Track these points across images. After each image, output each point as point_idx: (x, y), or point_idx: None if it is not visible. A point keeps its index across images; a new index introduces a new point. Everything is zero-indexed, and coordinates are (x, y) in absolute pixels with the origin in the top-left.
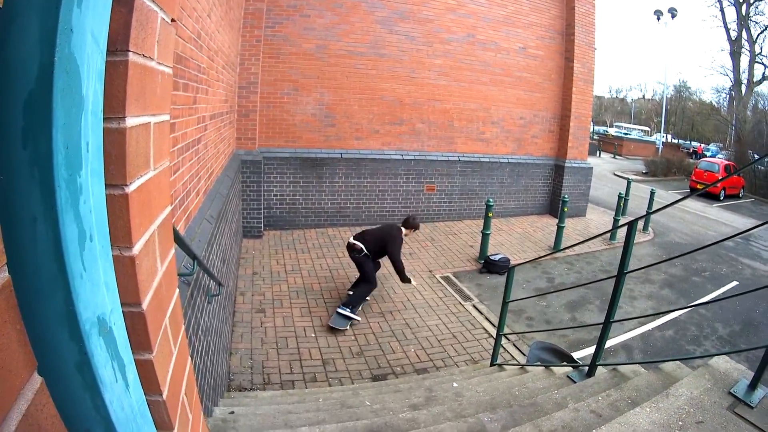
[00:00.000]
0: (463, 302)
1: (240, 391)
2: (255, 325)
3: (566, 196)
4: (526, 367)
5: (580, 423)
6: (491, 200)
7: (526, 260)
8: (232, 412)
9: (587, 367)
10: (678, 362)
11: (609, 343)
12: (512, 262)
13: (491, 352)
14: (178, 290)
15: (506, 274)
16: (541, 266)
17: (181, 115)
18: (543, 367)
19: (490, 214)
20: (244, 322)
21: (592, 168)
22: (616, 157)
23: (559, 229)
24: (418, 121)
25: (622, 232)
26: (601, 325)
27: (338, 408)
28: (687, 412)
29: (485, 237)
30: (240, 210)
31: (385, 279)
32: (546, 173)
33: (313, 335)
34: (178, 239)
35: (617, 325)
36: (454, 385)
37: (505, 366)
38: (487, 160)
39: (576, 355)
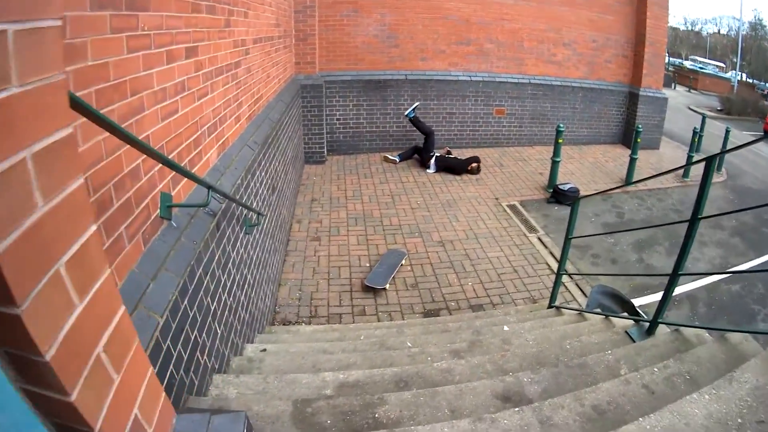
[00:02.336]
0: (527, 234)
1: (284, 324)
2: (308, 254)
3: (640, 126)
4: (585, 314)
5: (628, 401)
6: (562, 126)
7: (596, 192)
8: (264, 350)
9: (648, 323)
10: (745, 334)
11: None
12: (581, 193)
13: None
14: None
15: (572, 207)
16: (612, 199)
17: (206, 38)
18: (602, 317)
19: (561, 141)
20: (297, 251)
21: (667, 98)
22: (691, 90)
23: (632, 161)
24: (486, 41)
25: (694, 171)
26: (668, 277)
27: (376, 349)
28: (749, 406)
29: (555, 165)
30: (300, 135)
31: (448, 206)
32: (619, 101)
33: (368, 265)
34: (185, 173)
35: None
36: (505, 328)
37: (563, 309)
38: (559, 83)
39: (639, 301)
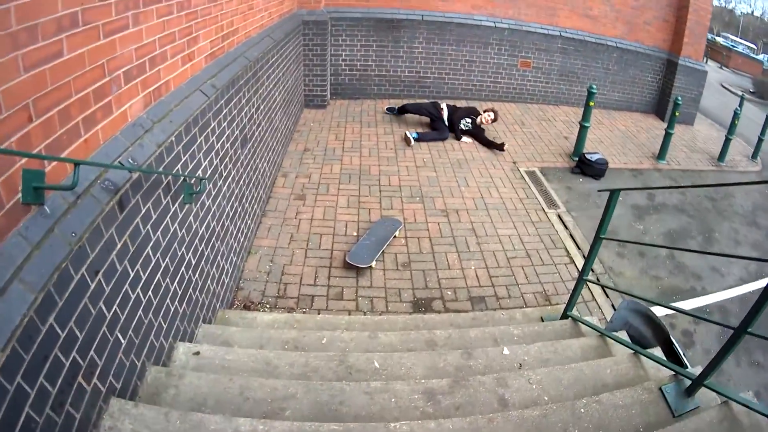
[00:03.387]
0: (546, 209)
1: (244, 308)
2: (289, 216)
3: (679, 98)
4: (608, 339)
5: None
6: (594, 86)
7: (627, 167)
8: (197, 353)
9: (689, 381)
10: None
11: (704, 300)
12: (610, 166)
13: (568, 288)
14: None
15: (609, 199)
16: (642, 177)
17: None
18: (630, 351)
19: (592, 104)
20: (277, 211)
21: (706, 72)
22: (723, 68)
23: (667, 136)
24: None
25: (730, 155)
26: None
27: (333, 367)
28: None
29: (583, 130)
30: (299, 77)
31: (458, 166)
32: (656, 68)
33: (355, 234)
34: None
35: (717, 277)
36: (505, 352)
37: (580, 321)
38: (593, 40)
39: (664, 309)
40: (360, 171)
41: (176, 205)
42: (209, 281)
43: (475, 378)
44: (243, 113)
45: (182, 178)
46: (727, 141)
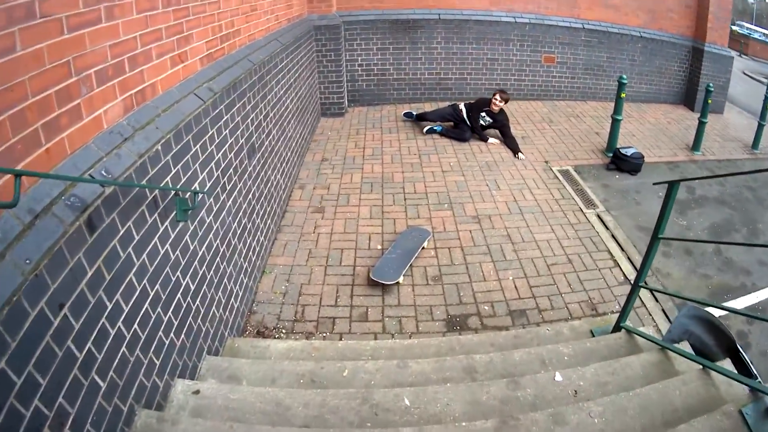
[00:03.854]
0: (584, 209)
1: (257, 334)
2: (306, 230)
3: (711, 85)
4: (670, 352)
5: None
6: (625, 77)
7: (662, 160)
8: (197, 392)
9: None
10: None
11: (756, 297)
12: (645, 160)
13: (615, 294)
14: None
15: (668, 191)
16: (679, 169)
17: None
18: (698, 366)
19: (623, 95)
20: (293, 225)
21: (733, 57)
22: (742, 55)
23: (701, 125)
24: None
25: (764, 143)
26: None
27: (355, 406)
28: None
29: (615, 123)
30: (314, 84)
31: (487, 169)
32: (682, 56)
33: (379, 247)
34: None
35: (766, 271)
36: (557, 378)
37: (635, 333)
38: (616, 30)
39: (720, 311)
40: (382, 179)
41: (167, 223)
42: (214, 307)
43: (526, 416)
44: (249, 120)
45: (173, 192)
46: (760, 128)
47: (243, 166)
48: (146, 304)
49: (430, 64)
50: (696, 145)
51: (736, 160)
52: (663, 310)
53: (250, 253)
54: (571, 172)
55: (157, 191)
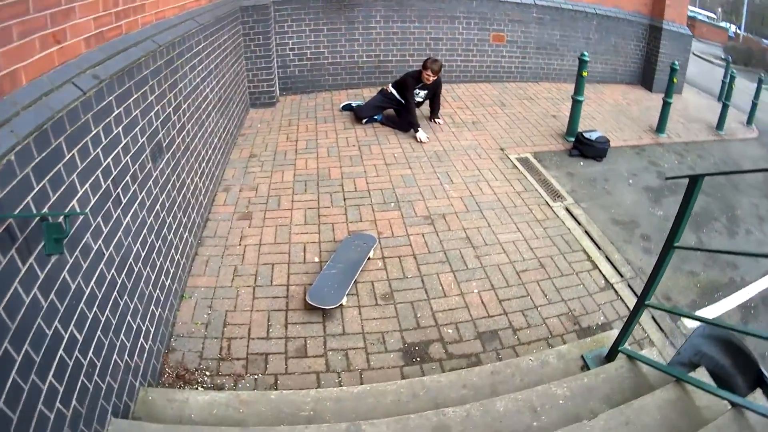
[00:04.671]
0: (551, 202)
1: (177, 378)
2: (232, 242)
3: (676, 63)
4: (688, 386)
5: None
6: (586, 55)
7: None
8: None
9: None
10: None
11: (747, 293)
12: (611, 144)
13: (598, 302)
14: None
15: (689, 189)
16: (646, 153)
17: None
18: (727, 403)
19: (585, 74)
20: (216, 237)
21: (692, 36)
22: None
23: (666, 106)
24: None
25: (729, 124)
26: None
27: None
28: None
29: (576, 105)
30: (241, 72)
31: (437, 160)
32: (639, 34)
33: (317, 260)
34: None
35: (753, 263)
36: None
37: (638, 359)
38: (570, 7)
39: (711, 311)
40: (318, 176)
41: (31, 260)
42: (116, 355)
43: None
44: (152, 115)
45: (37, 218)
46: (725, 108)
47: (145, 171)
48: (13, 373)
49: (369, 46)
50: (660, 127)
51: (703, 142)
52: (659, 326)
53: (162, 277)
54: (530, 160)
55: (11, 220)
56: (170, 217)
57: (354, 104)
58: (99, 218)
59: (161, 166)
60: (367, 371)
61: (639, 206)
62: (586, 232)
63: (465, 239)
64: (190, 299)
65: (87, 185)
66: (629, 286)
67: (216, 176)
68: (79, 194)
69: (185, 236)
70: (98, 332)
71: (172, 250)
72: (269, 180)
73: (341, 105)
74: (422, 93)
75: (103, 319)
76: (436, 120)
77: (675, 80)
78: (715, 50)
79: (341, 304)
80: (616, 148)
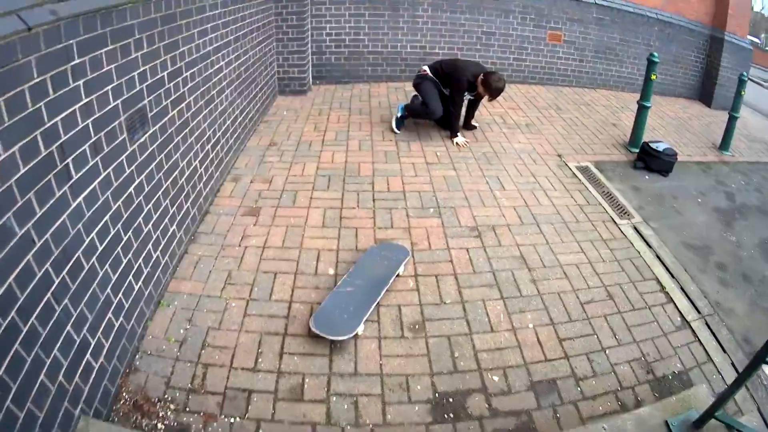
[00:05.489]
0: (617, 219)
1: (134, 408)
2: (230, 241)
3: (745, 74)
4: None
5: None
6: (656, 56)
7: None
8: None
9: None
10: None
11: None
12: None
13: (676, 347)
14: None
15: None
16: (712, 171)
17: None
18: None
19: (654, 77)
20: (213, 234)
21: (752, 50)
22: None
23: (732, 120)
24: None
25: None
26: None
27: None
28: None
29: (643, 112)
30: (270, 53)
31: (486, 162)
32: (699, 45)
33: (332, 272)
34: None
35: None
36: None
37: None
38: (631, 10)
39: None
40: (345, 170)
41: None
42: (43, 375)
43: None
44: (135, 75)
45: None
46: None
47: (116, 143)
48: None
49: (414, 36)
50: (725, 145)
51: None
52: (734, 367)
53: (131, 278)
54: (592, 170)
55: None
56: (150, 205)
57: (400, 111)
58: (30, 195)
59: (142, 140)
60: (381, 428)
61: (711, 229)
62: (657, 256)
63: (519, 258)
64: (168, 308)
65: (15, 148)
66: (707, 324)
67: (226, 163)
68: None
69: (172, 230)
70: (16, 345)
71: (150, 246)
72: (287, 172)
73: (397, 118)
74: (470, 96)
75: (25, 329)
76: (472, 123)
77: (743, 93)
78: (761, 73)
79: (356, 334)
80: (681, 163)
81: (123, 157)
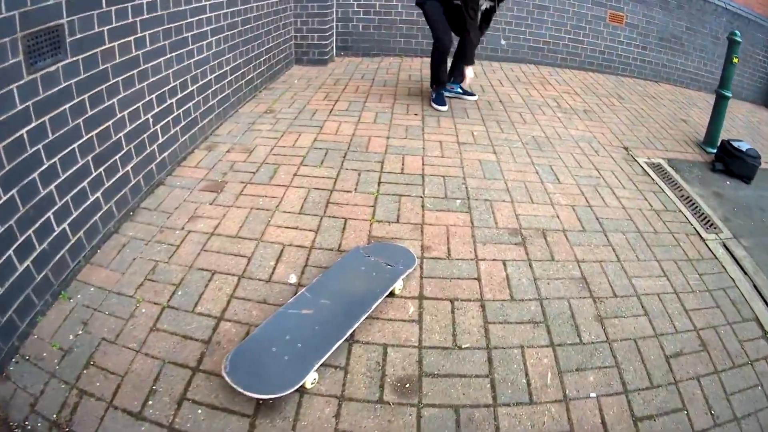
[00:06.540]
0: (703, 233)
1: None
2: (172, 222)
3: None
4: None
5: None
6: (738, 34)
7: None
8: None
9: None
10: None
11: None
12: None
13: None
14: None
15: None
16: None
17: None
18: None
19: (736, 59)
20: (157, 211)
21: None
22: None
23: None
24: None
25: None
26: None
27: None
28: None
29: (722, 103)
30: (286, 15)
31: (537, 148)
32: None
33: (293, 281)
34: None
35: None
36: None
37: None
38: None
39: None
40: (350, 145)
41: None
42: None
43: None
44: None
45: None
46: None
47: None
48: None
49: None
50: None
51: None
52: None
53: (15, 261)
54: (665, 168)
55: None
56: (55, 159)
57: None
58: None
59: (53, 72)
60: None
61: None
62: (755, 286)
63: (579, 281)
64: (69, 301)
65: None
66: None
67: (202, 127)
68: None
69: (93, 199)
70: None
71: (50, 215)
72: (275, 142)
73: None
74: (486, 4)
75: None
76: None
77: None
78: None
79: (302, 386)
80: (762, 170)
81: (13, 86)
